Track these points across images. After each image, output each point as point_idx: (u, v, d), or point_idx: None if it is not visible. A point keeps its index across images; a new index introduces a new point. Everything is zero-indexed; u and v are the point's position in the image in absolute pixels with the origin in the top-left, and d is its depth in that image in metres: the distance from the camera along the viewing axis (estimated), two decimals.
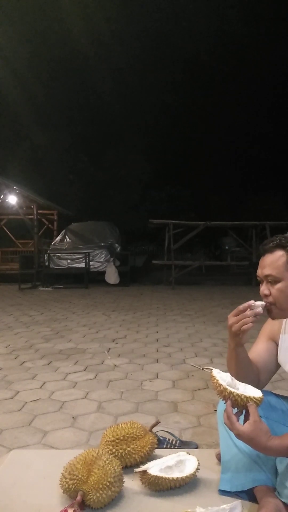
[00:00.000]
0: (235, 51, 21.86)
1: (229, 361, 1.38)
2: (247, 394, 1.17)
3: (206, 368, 1.37)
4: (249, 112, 21.94)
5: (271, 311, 1.30)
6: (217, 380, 1.19)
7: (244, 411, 1.18)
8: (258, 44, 20.77)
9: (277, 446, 1.12)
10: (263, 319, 1.41)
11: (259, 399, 1.18)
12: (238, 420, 1.15)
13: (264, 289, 1.29)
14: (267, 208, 16.72)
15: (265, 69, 21.30)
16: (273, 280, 1.26)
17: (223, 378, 1.21)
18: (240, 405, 1.16)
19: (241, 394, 1.16)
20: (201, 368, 3.03)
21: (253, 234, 10.25)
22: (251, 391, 1.20)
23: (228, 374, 1.25)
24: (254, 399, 1.17)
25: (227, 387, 1.17)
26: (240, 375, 1.36)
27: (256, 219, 10.31)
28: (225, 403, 1.19)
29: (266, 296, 1.29)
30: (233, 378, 1.24)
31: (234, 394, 1.16)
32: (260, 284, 1.32)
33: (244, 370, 1.35)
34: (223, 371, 1.23)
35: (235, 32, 21.88)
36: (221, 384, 1.18)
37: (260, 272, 1.30)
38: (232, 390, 1.17)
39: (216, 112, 21.32)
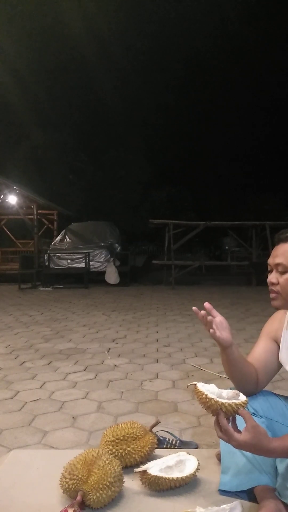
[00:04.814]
0: (235, 51, 21.91)
1: (223, 363, 1.39)
2: (236, 401, 1.14)
3: (189, 384, 1.31)
4: (249, 112, 21.99)
5: (275, 299, 1.30)
6: (206, 395, 1.13)
7: (231, 418, 1.14)
8: (259, 45, 20.79)
9: (278, 447, 1.11)
10: (264, 319, 1.41)
11: (246, 402, 1.16)
12: (235, 431, 1.11)
13: (272, 277, 1.30)
14: (267, 208, 16.74)
15: (266, 69, 21.34)
16: (283, 269, 1.27)
17: (210, 390, 1.16)
18: (231, 413, 1.13)
19: (232, 403, 1.12)
20: (201, 369, 3.03)
21: (253, 234, 10.25)
22: (236, 396, 1.17)
23: (213, 384, 1.20)
24: (243, 404, 1.14)
25: (218, 399, 1.12)
26: (235, 376, 1.35)
27: (256, 219, 10.32)
28: (212, 415, 1.15)
29: (273, 284, 1.29)
30: (216, 386, 1.20)
31: (226, 404, 1.12)
32: (269, 273, 1.33)
33: (238, 371, 1.34)
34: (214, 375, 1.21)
35: (236, 32, 21.93)
36: (211, 398, 1.12)
37: (272, 260, 1.31)
38: (223, 401, 1.12)
39: (216, 112, 21.35)
